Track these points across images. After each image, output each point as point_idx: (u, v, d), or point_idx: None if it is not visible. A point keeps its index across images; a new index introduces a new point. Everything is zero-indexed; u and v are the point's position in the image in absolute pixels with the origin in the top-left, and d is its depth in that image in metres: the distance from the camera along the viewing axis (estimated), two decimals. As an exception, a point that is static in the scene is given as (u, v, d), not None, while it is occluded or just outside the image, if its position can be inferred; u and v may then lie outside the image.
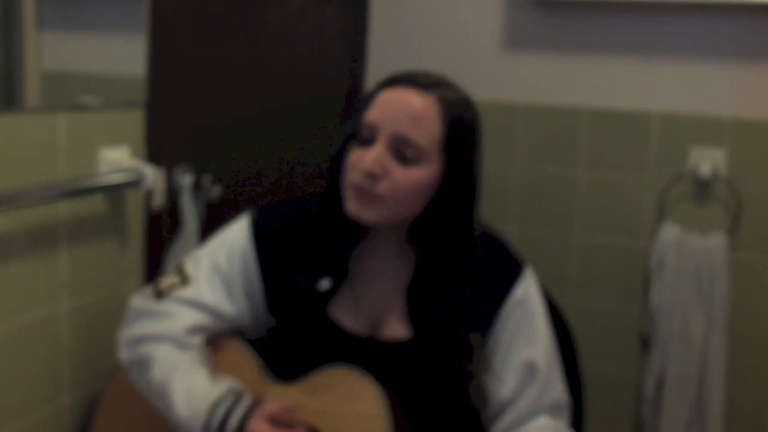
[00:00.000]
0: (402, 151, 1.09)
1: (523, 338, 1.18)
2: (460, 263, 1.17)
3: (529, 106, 2.05)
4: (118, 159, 1.33)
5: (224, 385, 1.12)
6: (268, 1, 1.75)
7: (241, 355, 1.21)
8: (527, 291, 1.20)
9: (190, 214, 1.48)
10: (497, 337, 1.19)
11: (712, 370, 1.90)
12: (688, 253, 1.91)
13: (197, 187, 1.50)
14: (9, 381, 1.20)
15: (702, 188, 1.95)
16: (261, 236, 1.21)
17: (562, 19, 2.01)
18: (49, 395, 1.28)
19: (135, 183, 1.31)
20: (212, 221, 1.53)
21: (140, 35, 1.37)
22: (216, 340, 1.22)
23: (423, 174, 1.10)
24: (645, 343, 2.01)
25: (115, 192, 1.36)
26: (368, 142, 1.10)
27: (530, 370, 1.18)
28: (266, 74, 1.77)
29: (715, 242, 1.90)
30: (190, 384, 1.11)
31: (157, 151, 1.43)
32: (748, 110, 1.91)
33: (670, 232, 1.93)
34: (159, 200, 1.45)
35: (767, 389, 1.95)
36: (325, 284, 1.17)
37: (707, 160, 1.92)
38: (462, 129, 1.12)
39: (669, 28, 1.94)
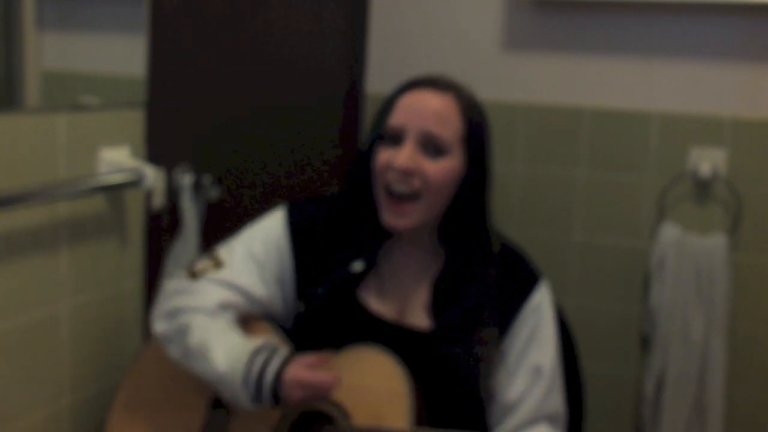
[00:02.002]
0: (430, 146, 1.18)
1: (534, 343, 1.24)
2: (485, 265, 1.25)
3: (529, 106, 2.05)
4: (118, 159, 1.33)
5: (261, 339, 1.17)
6: (268, 1, 1.75)
7: (272, 336, 1.24)
8: (543, 300, 1.27)
9: (190, 214, 1.48)
10: (512, 339, 1.24)
11: (712, 370, 1.90)
12: (688, 253, 1.91)
13: (197, 187, 1.50)
14: (9, 381, 1.20)
15: (702, 188, 1.95)
16: (295, 226, 1.28)
17: (562, 19, 2.01)
18: (49, 395, 1.29)
19: (135, 183, 1.31)
20: (212, 221, 1.53)
21: (140, 35, 1.37)
22: (247, 323, 1.25)
23: (450, 165, 1.19)
24: (645, 343, 2.01)
25: (115, 192, 1.36)
26: (395, 143, 1.19)
27: (537, 373, 1.23)
28: (266, 74, 1.77)
29: (715, 242, 1.90)
30: (227, 341, 1.16)
31: (157, 151, 1.43)
32: (748, 110, 1.91)
33: (670, 232, 1.93)
34: (159, 200, 1.45)
35: (767, 389, 1.95)
36: (358, 266, 1.24)
37: (707, 160, 1.92)
38: (478, 124, 1.23)
39: (669, 28, 1.94)
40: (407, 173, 1.17)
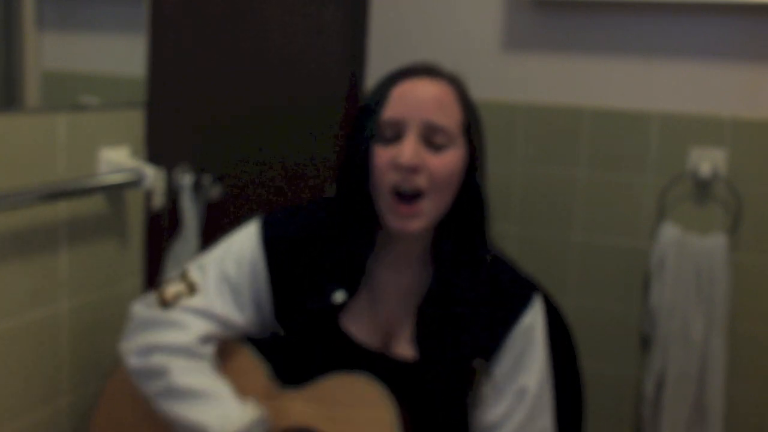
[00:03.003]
0: (433, 138, 1.09)
1: (522, 365, 1.18)
2: (474, 284, 1.17)
3: (529, 106, 2.05)
4: (118, 159, 1.33)
5: (253, 413, 1.09)
6: (268, 1, 1.75)
7: (250, 360, 1.19)
8: (534, 319, 1.19)
9: (190, 214, 1.48)
10: (500, 360, 1.18)
11: (712, 370, 1.90)
12: (688, 253, 1.91)
13: (197, 187, 1.50)
14: (8, 381, 1.20)
15: (702, 188, 1.95)
16: (271, 244, 1.18)
17: (562, 19, 2.01)
18: (48, 395, 1.28)
19: (135, 183, 1.31)
20: (212, 221, 1.53)
21: (140, 35, 1.37)
22: (224, 347, 1.20)
23: (454, 157, 1.10)
24: (645, 343, 2.01)
25: (115, 192, 1.35)
26: (393, 139, 1.09)
27: (520, 395, 1.17)
28: (266, 74, 1.77)
29: (715, 242, 1.90)
30: (220, 396, 1.09)
31: (157, 151, 1.42)
32: (748, 110, 1.91)
33: (670, 232, 1.93)
34: (159, 200, 1.45)
35: (767, 389, 1.95)
36: (339, 296, 1.16)
37: (707, 160, 1.92)
38: (475, 111, 1.16)
39: (669, 28, 1.94)
40: (415, 170, 1.07)
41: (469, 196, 1.14)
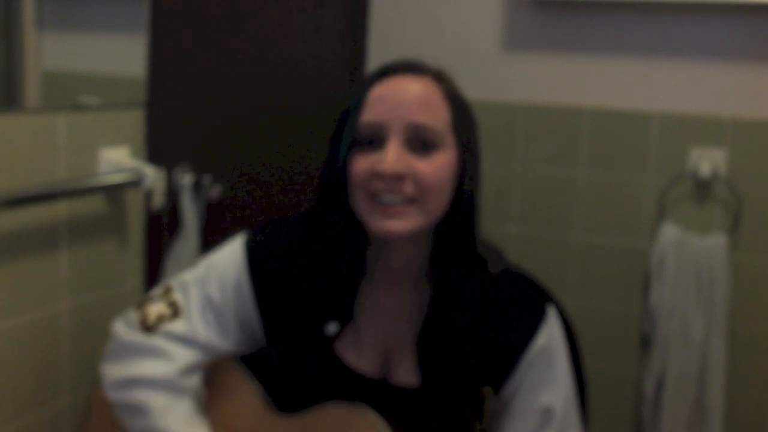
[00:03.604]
0: (419, 141, 0.99)
1: (543, 385, 1.09)
2: (479, 300, 1.07)
3: (529, 106, 2.05)
4: (118, 159, 1.33)
5: None
6: (268, 1, 1.75)
7: (242, 383, 1.16)
8: (550, 337, 1.09)
9: (190, 214, 1.48)
10: (515, 386, 1.10)
11: (712, 371, 1.90)
12: (688, 253, 1.91)
13: (197, 187, 1.50)
14: (8, 381, 1.20)
15: (702, 188, 1.95)
16: (256, 268, 1.10)
17: (562, 19, 2.01)
18: (48, 395, 1.28)
19: (135, 183, 1.31)
20: (212, 221, 1.53)
21: (140, 35, 1.37)
22: (215, 368, 1.16)
23: (444, 161, 1.00)
24: (645, 343, 2.01)
25: (115, 192, 1.35)
26: (374, 144, 0.99)
27: (546, 416, 1.09)
28: (266, 75, 1.77)
29: (715, 242, 1.90)
30: None
31: (157, 151, 1.42)
32: (748, 110, 1.91)
33: (670, 232, 1.93)
34: (159, 200, 1.45)
35: (767, 389, 1.95)
36: (332, 328, 1.07)
37: (707, 160, 1.92)
38: (465, 107, 1.06)
39: (669, 28, 1.94)
40: (397, 178, 0.96)
41: (464, 202, 1.03)
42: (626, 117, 1.99)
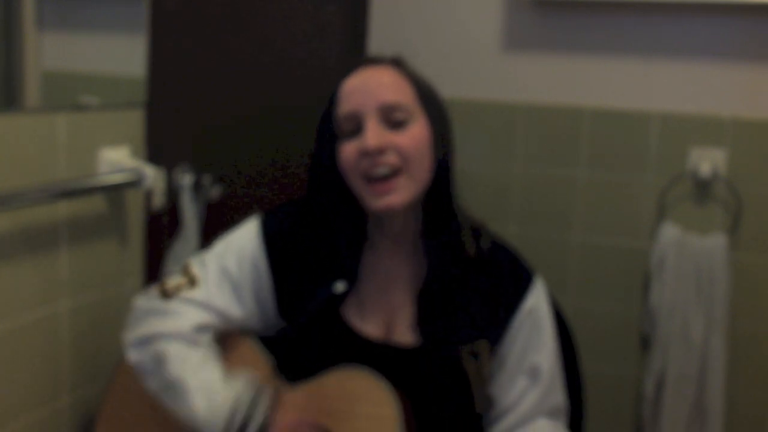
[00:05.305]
0: (392, 117, 1.12)
1: (532, 346, 1.20)
2: (471, 269, 1.19)
3: (529, 106, 2.05)
4: (118, 159, 1.33)
5: (242, 381, 1.12)
6: (268, 1, 1.75)
7: (254, 353, 1.21)
8: (537, 301, 1.22)
9: (190, 214, 1.48)
10: (508, 347, 1.21)
11: (712, 371, 1.90)
12: (688, 253, 1.91)
13: (197, 187, 1.50)
14: (9, 381, 1.20)
15: (702, 188, 1.95)
16: (271, 241, 1.22)
17: (562, 19, 2.01)
18: (48, 395, 1.29)
19: (135, 183, 1.31)
20: (212, 221, 1.53)
21: (140, 35, 1.37)
22: (227, 339, 1.22)
23: (418, 131, 1.13)
24: (645, 343, 2.01)
25: (115, 192, 1.36)
26: (354, 132, 1.13)
27: (534, 374, 1.20)
28: (266, 74, 1.77)
29: (715, 242, 1.90)
30: (207, 382, 1.11)
31: (157, 151, 1.43)
32: (748, 110, 1.91)
33: (670, 232, 1.93)
34: (159, 200, 1.45)
35: (767, 389, 1.95)
36: (340, 287, 1.18)
37: (707, 160, 1.92)
38: (425, 82, 1.18)
39: (669, 28, 1.94)
40: (381, 151, 1.10)
41: (440, 168, 1.16)
42: (626, 117, 1.99)
